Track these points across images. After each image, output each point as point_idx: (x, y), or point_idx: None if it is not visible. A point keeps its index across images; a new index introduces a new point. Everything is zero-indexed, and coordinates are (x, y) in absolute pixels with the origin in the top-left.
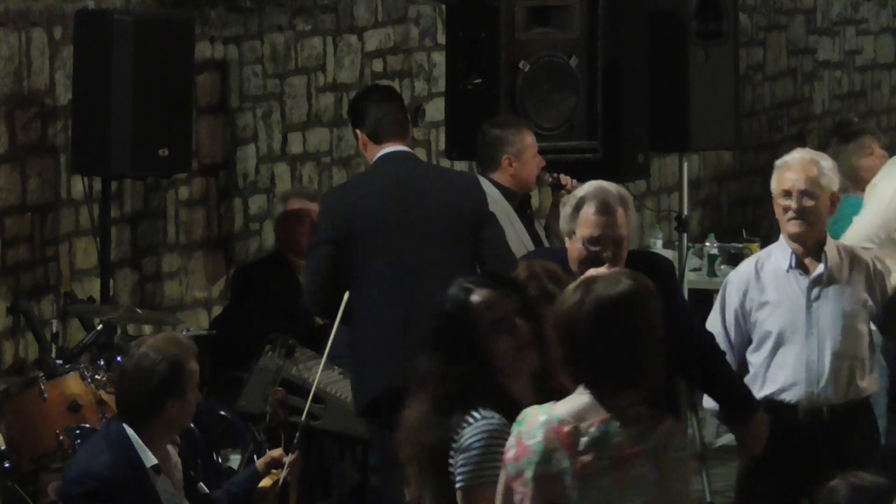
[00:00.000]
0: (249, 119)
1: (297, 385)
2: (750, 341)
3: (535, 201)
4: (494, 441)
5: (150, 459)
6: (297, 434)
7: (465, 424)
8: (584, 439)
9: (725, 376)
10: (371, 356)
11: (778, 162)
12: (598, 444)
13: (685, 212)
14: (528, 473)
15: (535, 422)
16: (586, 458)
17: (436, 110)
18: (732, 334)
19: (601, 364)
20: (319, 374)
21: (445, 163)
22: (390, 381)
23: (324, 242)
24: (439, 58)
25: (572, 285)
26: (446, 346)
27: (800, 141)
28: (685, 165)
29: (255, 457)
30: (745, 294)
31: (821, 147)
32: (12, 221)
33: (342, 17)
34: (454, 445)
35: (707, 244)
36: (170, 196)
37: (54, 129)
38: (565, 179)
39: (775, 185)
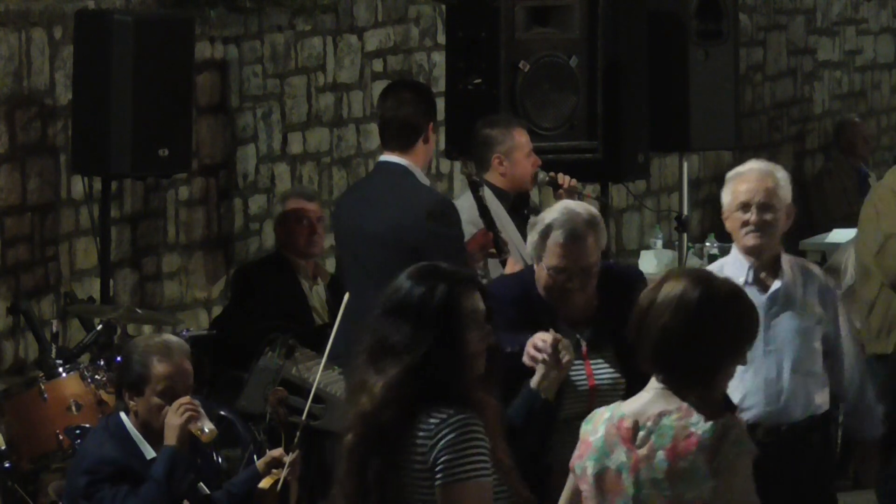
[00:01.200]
0: (249, 119)
1: (297, 385)
2: None
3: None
4: (474, 434)
5: (149, 452)
6: (298, 434)
7: (431, 419)
8: (641, 433)
9: None
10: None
11: (731, 174)
12: (654, 437)
13: (685, 212)
14: (590, 469)
15: (600, 419)
16: (642, 451)
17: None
18: None
19: (678, 360)
20: (320, 374)
21: (445, 163)
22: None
23: None
24: (439, 58)
25: (657, 280)
26: (418, 335)
27: (800, 141)
28: (685, 165)
29: (255, 457)
30: None
31: (821, 148)
32: (12, 221)
33: (342, 17)
34: (420, 440)
35: (707, 244)
36: (170, 196)
37: (54, 129)
38: (562, 178)
39: (730, 197)
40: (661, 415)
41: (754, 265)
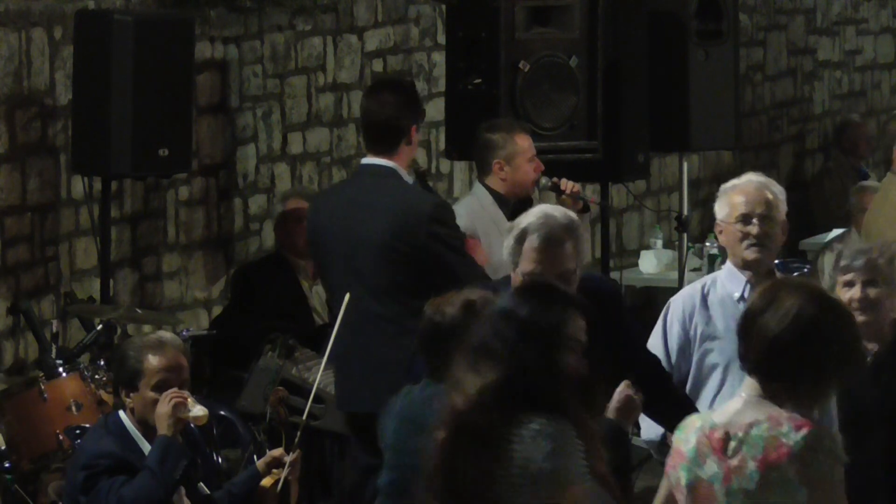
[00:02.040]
0: (249, 119)
1: (297, 385)
2: (694, 370)
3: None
4: (571, 443)
5: (147, 448)
6: (298, 434)
7: (526, 428)
8: (732, 443)
9: (675, 397)
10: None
11: (726, 186)
12: (746, 447)
13: (685, 212)
14: (683, 480)
15: (692, 427)
16: (734, 461)
17: (436, 110)
18: (674, 359)
19: (786, 371)
20: (320, 374)
21: (445, 163)
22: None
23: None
24: (439, 58)
25: (762, 288)
26: (519, 348)
27: (800, 141)
28: (685, 165)
29: (255, 457)
30: (690, 321)
31: (821, 147)
32: (12, 221)
33: (342, 17)
34: (516, 449)
35: (707, 244)
36: (170, 196)
37: (54, 129)
38: (565, 184)
39: (727, 209)
40: (751, 425)
41: (751, 280)
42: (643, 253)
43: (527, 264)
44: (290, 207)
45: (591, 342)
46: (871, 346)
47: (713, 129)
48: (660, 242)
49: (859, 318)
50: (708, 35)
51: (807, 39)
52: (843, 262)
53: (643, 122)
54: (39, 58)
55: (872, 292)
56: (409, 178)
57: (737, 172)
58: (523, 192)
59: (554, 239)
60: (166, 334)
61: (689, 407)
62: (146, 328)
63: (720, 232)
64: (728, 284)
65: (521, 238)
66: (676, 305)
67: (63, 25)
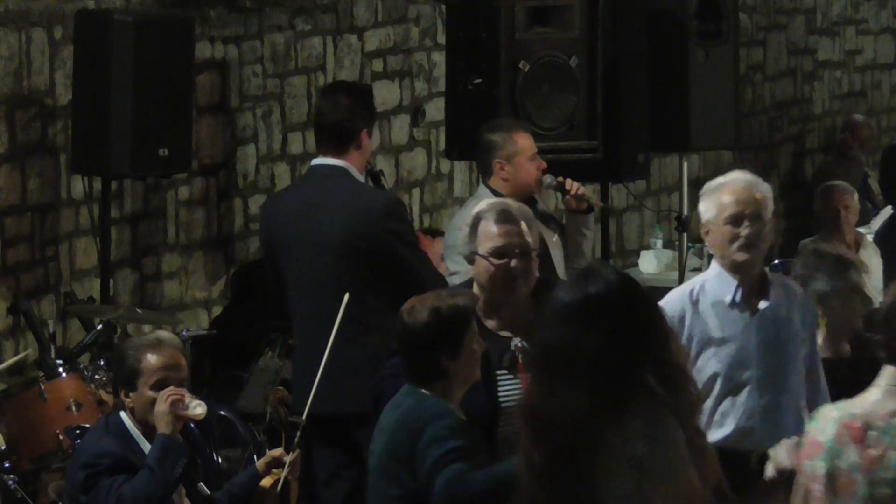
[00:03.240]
0: (249, 119)
1: None
2: None
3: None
4: (668, 429)
5: (148, 448)
6: (298, 434)
7: (622, 417)
8: (872, 433)
9: None
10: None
11: (712, 185)
12: (886, 437)
13: (685, 212)
14: (821, 470)
15: (828, 418)
16: (874, 451)
17: (436, 110)
18: None
19: None
20: (320, 373)
21: (446, 163)
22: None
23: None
24: (439, 58)
25: None
26: (609, 335)
27: (800, 141)
28: (685, 165)
29: (255, 457)
30: (682, 326)
31: (821, 147)
32: (12, 221)
33: (342, 17)
34: (614, 438)
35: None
36: (170, 196)
37: (54, 129)
38: (570, 184)
39: (715, 210)
40: (891, 414)
41: (742, 283)
42: (643, 253)
43: (487, 241)
44: None
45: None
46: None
47: (713, 129)
48: (660, 242)
49: None
50: (708, 35)
51: (807, 39)
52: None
53: (643, 122)
54: (39, 58)
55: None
56: (360, 177)
57: None
58: (527, 191)
59: (509, 215)
60: (164, 334)
61: None
62: (146, 328)
63: (706, 233)
64: (718, 288)
65: (476, 223)
66: (667, 311)
67: (63, 25)
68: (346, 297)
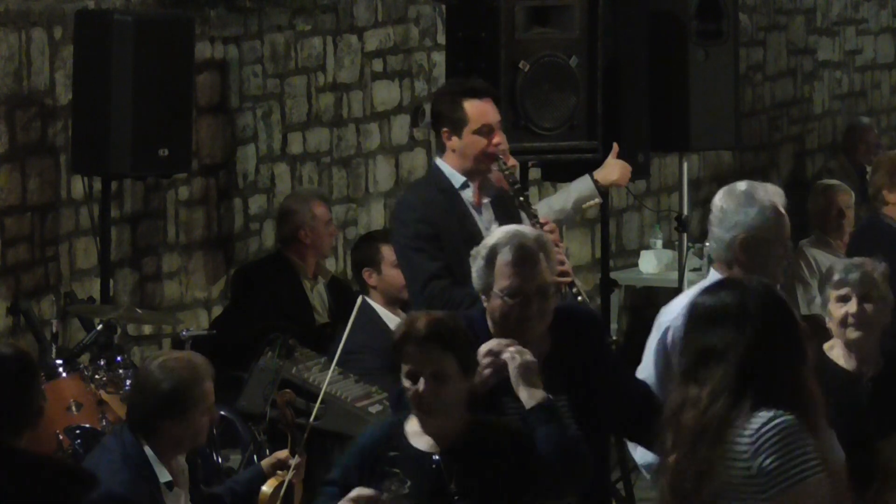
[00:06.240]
0: (249, 119)
1: (297, 385)
2: None
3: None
4: (797, 435)
5: (164, 475)
6: (305, 436)
7: (751, 422)
8: None
9: None
10: None
11: (738, 193)
12: None
13: (685, 212)
14: None
15: None
16: None
17: None
18: (665, 384)
19: None
20: (330, 375)
21: None
22: None
23: None
24: (439, 58)
25: None
26: (766, 336)
27: (800, 141)
28: (685, 165)
29: (255, 457)
30: None
31: (821, 148)
32: (12, 221)
33: (342, 17)
34: (741, 444)
35: (707, 244)
36: (170, 196)
37: (54, 129)
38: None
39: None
40: None
41: None
42: (643, 253)
43: (503, 280)
44: (319, 211)
45: (572, 373)
46: (865, 368)
47: (713, 129)
48: (660, 242)
49: (853, 333)
50: (708, 35)
51: (807, 39)
52: (836, 277)
53: (643, 122)
54: (39, 58)
55: (868, 308)
56: (447, 177)
57: (737, 172)
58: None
59: (527, 251)
60: (196, 358)
61: None
62: (146, 328)
63: (726, 245)
64: None
65: (492, 255)
66: (671, 323)
67: (63, 25)
68: (360, 299)
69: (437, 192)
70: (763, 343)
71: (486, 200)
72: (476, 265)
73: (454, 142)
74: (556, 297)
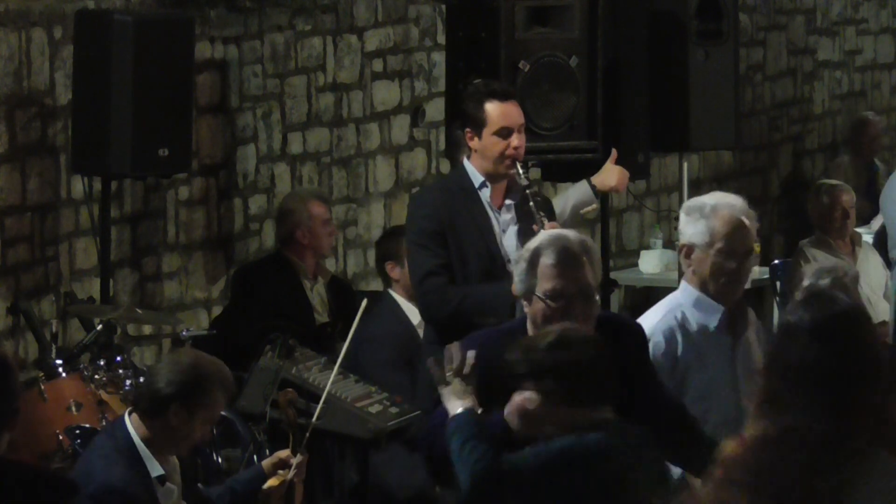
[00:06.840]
0: (249, 119)
1: (297, 385)
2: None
3: None
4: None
5: (156, 469)
6: (307, 436)
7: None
8: None
9: (706, 444)
10: None
11: (703, 206)
12: None
13: None
14: None
15: None
16: None
17: (436, 110)
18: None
19: None
20: (333, 376)
21: (446, 163)
22: None
23: None
24: (439, 58)
25: None
26: (821, 346)
27: (800, 141)
28: (685, 165)
29: (255, 457)
30: (680, 351)
31: (821, 148)
32: (12, 221)
33: (342, 17)
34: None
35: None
36: (170, 196)
37: (54, 129)
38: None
39: (707, 237)
40: None
41: (727, 309)
42: (643, 253)
43: (545, 282)
44: (317, 210)
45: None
46: None
47: (713, 129)
48: (660, 242)
49: None
50: (708, 35)
51: (807, 39)
52: (806, 283)
53: (643, 122)
54: (39, 58)
55: None
56: (469, 174)
57: (737, 173)
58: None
59: (571, 252)
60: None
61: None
62: (146, 328)
63: (687, 255)
64: (699, 314)
65: (535, 258)
66: (663, 338)
67: (63, 25)
68: (364, 302)
69: (458, 190)
70: (865, 361)
71: (509, 202)
72: (518, 269)
73: (475, 142)
74: (597, 303)
